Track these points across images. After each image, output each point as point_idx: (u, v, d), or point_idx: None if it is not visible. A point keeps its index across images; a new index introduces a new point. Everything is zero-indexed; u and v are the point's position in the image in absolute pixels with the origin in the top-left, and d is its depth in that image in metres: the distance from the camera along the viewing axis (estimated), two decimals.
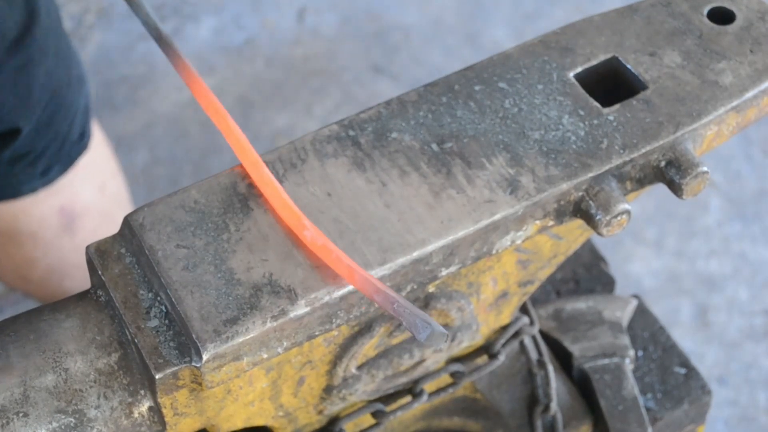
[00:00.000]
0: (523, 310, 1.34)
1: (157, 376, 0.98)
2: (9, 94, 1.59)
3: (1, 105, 1.59)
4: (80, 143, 1.74)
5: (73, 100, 1.69)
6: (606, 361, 1.43)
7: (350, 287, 1.00)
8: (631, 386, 1.41)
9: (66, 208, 1.76)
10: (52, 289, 1.87)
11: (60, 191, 1.74)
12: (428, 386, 1.28)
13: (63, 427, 0.99)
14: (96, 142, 1.79)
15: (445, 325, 1.20)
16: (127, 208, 1.85)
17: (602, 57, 1.15)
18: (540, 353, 1.38)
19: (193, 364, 0.98)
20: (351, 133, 1.10)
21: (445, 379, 1.30)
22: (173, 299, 0.99)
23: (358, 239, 1.03)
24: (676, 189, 1.09)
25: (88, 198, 1.79)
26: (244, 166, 1.06)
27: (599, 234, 1.08)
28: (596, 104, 1.11)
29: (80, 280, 1.80)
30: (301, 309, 0.99)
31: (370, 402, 1.25)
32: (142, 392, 1.01)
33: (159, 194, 1.06)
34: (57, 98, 1.66)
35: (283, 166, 1.07)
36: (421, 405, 1.29)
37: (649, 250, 2.55)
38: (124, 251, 1.04)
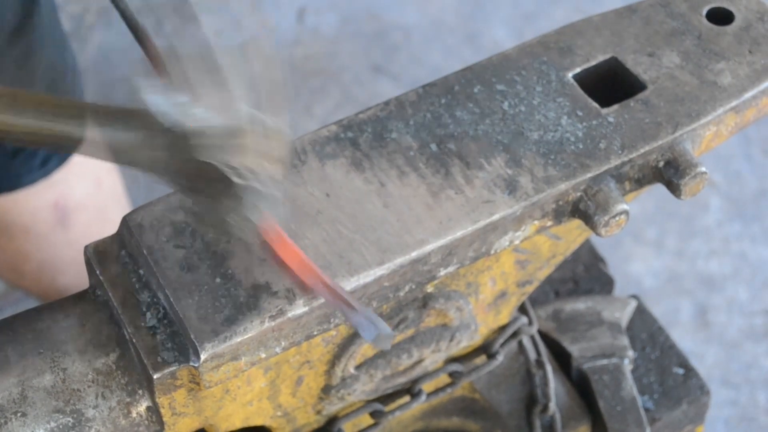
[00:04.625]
0: (522, 310, 1.34)
1: (155, 376, 0.98)
2: (11, 84, 1.59)
3: None
4: None
5: (69, 91, 1.69)
6: (605, 361, 1.43)
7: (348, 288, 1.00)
8: (630, 387, 1.41)
9: (60, 203, 1.76)
10: (46, 285, 1.87)
11: (54, 186, 1.74)
12: (427, 386, 1.28)
13: (61, 426, 0.99)
14: None
15: (444, 325, 1.20)
16: (122, 204, 1.85)
17: (601, 57, 1.15)
18: (538, 353, 1.38)
19: (191, 364, 0.98)
20: (350, 133, 1.10)
21: (443, 379, 1.30)
22: (171, 299, 0.99)
23: (356, 239, 1.03)
24: (674, 189, 1.09)
25: (83, 193, 1.79)
26: None
27: (597, 234, 1.08)
28: (595, 105, 1.11)
29: (74, 276, 1.79)
30: (299, 309, 0.99)
31: (369, 402, 1.25)
32: (140, 392, 1.01)
33: (159, 194, 1.06)
34: (55, 88, 1.66)
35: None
36: (420, 405, 1.28)
37: (649, 250, 2.54)
38: (123, 252, 1.04)
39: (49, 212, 1.75)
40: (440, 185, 1.06)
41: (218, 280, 1.00)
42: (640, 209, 2.54)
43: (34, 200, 1.74)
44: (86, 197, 1.79)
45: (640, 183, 1.11)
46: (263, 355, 1.00)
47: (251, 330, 0.98)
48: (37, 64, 1.61)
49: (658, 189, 1.17)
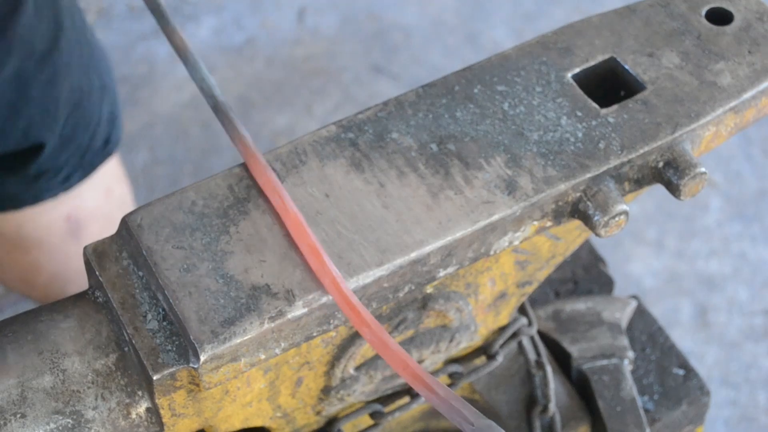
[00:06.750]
0: (522, 310, 1.34)
1: (154, 377, 0.98)
2: (36, 110, 1.59)
3: (29, 121, 1.59)
4: (104, 150, 1.73)
5: (94, 111, 1.68)
6: (605, 362, 1.43)
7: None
8: (630, 387, 1.41)
9: (73, 216, 1.76)
10: (55, 294, 1.87)
11: (68, 199, 1.74)
12: None
13: (60, 428, 0.99)
14: None
15: (443, 326, 1.20)
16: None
17: (600, 58, 1.15)
18: (538, 354, 1.38)
19: (191, 365, 0.98)
20: (350, 134, 1.10)
21: (443, 379, 1.30)
22: (171, 300, 0.99)
23: (356, 240, 1.03)
24: (674, 190, 1.09)
25: (94, 204, 1.79)
26: (277, 212, 1.03)
27: (597, 235, 1.08)
28: (594, 105, 1.11)
29: (83, 285, 1.80)
30: (298, 310, 0.99)
31: (369, 403, 1.25)
32: (140, 393, 1.01)
33: (159, 194, 1.06)
34: (79, 110, 1.65)
35: (284, 166, 1.07)
36: (420, 406, 1.29)
37: (649, 250, 2.55)
38: (122, 252, 1.04)
39: (61, 225, 1.76)
40: (440, 186, 1.06)
41: (218, 280, 1.00)
42: (640, 209, 2.55)
43: (48, 214, 1.74)
44: (97, 208, 1.79)
45: (639, 183, 1.11)
46: (263, 356, 1.00)
47: (251, 331, 0.98)
48: (62, 87, 1.60)
49: (658, 189, 1.17)
